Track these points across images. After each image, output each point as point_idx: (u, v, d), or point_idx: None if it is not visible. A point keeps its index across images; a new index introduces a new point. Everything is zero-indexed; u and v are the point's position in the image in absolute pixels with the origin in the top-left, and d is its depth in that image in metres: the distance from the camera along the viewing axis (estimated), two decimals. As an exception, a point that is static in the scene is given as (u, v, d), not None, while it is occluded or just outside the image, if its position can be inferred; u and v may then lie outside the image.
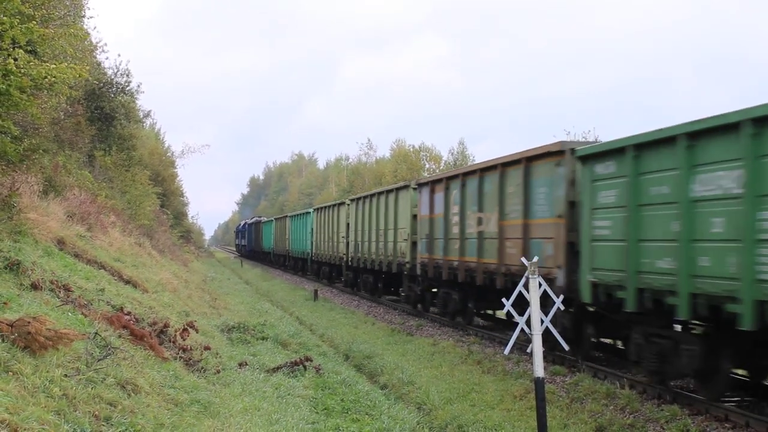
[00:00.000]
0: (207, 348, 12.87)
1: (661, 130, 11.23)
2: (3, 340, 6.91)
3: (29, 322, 7.21)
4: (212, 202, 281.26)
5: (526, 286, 9.25)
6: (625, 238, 11.94)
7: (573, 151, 14.00)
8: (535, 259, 9.59)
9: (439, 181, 21.58)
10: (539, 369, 8.99)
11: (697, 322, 11.30)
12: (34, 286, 10.50)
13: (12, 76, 10.57)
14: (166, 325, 12.40)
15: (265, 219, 76.93)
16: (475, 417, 11.60)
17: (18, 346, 6.96)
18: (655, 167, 11.34)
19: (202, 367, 11.62)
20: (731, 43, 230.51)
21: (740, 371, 12.06)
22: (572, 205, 14.12)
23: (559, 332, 10.21)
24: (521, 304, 9.39)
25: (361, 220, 31.90)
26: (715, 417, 10.51)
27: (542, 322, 9.19)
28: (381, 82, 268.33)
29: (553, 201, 14.69)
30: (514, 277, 15.92)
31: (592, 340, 14.54)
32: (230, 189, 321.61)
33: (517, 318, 9.32)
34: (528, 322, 9.13)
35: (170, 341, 11.97)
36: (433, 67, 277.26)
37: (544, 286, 9.35)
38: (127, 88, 32.06)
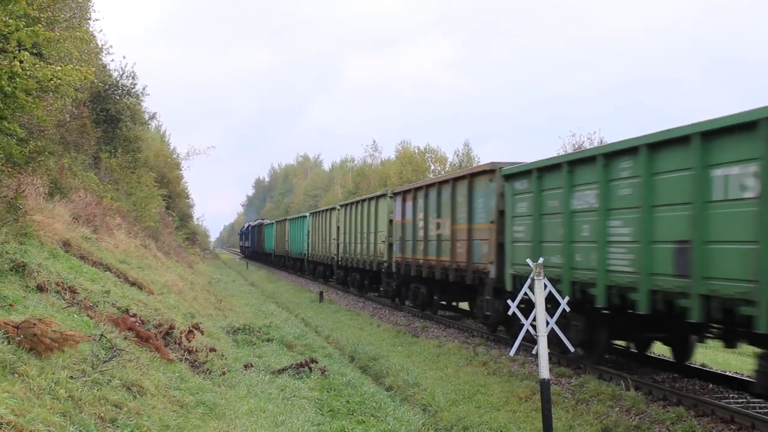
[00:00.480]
0: (212, 350, 12.89)
1: (552, 158, 15.45)
2: (9, 342, 6.92)
3: (35, 324, 7.23)
4: (218, 203, 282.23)
5: (531, 287, 9.25)
6: (532, 239, 15.47)
7: (501, 170, 17.34)
8: (541, 260, 9.58)
9: (409, 191, 25.18)
10: (545, 370, 8.98)
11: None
12: (40, 288, 10.52)
13: (18, 79, 10.59)
14: (171, 327, 12.42)
15: (267, 222, 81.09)
16: (480, 418, 11.59)
17: (24, 347, 6.97)
18: (550, 186, 14.93)
19: (208, 369, 11.63)
20: (735, 44, 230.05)
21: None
22: (501, 214, 17.48)
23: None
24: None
25: (349, 224, 35.26)
26: (721, 419, 10.48)
27: (548, 323, 9.19)
28: (386, 82, 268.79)
29: (488, 210, 18.17)
30: (462, 272, 19.76)
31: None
32: (236, 190, 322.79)
33: (522, 319, 9.31)
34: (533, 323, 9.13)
35: (176, 343, 11.98)
36: (438, 68, 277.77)
37: (549, 287, 9.34)
38: (133, 90, 32.11)
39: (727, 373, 14.18)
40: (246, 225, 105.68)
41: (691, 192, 10.61)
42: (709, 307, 10.40)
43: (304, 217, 50.77)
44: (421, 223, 23.41)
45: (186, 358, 11.52)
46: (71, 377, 7.07)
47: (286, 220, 62.59)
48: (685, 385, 12.95)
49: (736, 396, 12.23)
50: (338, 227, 37.68)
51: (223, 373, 11.81)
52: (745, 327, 10.01)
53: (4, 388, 5.91)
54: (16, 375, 6.38)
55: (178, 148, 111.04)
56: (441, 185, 21.86)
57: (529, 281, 9.27)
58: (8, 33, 10.57)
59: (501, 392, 13.37)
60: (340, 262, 38.03)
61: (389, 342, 20.18)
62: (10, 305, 8.74)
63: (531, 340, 9.79)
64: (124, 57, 59.63)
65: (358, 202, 34.23)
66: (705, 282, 10.38)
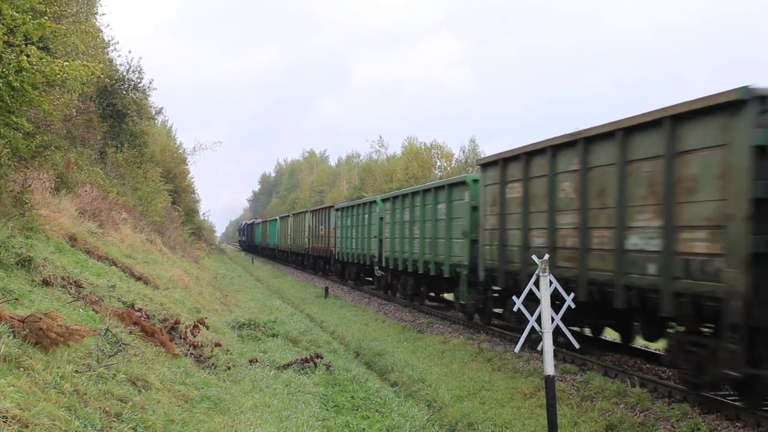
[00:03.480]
0: (218, 345, 12.90)
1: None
2: (14, 336, 6.93)
3: (41, 318, 7.24)
4: (224, 199, 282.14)
5: (536, 283, 9.24)
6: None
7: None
8: (546, 256, 9.55)
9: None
10: (550, 367, 8.97)
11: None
12: (46, 282, 10.54)
13: (25, 73, 10.59)
14: (177, 322, 12.43)
15: (257, 222, 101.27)
16: (485, 415, 11.59)
17: (29, 341, 6.99)
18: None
19: (213, 364, 11.65)
20: (746, 46, 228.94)
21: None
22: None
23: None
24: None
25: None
26: (726, 416, 10.46)
27: (553, 320, 9.17)
28: (394, 81, 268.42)
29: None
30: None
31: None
32: (243, 186, 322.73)
33: (527, 316, 9.29)
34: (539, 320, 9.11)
35: (181, 338, 11.99)
36: (446, 66, 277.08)
37: (555, 283, 9.32)
38: (139, 84, 32.10)
39: (649, 350, 16.04)
40: (243, 223, 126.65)
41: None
42: None
43: (275, 219, 69.23)
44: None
45: (191, 353, 11.53)
46: (76, 371, 7.09)
47: (266, 221, 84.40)
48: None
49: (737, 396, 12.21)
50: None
51: (228, 368, 11.83)
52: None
53: (10, 382, 5.92)
54: (22, 369, 6.39)
55: (185, 143, 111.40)
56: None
57: (534, 277, 9.26)
58: (15, 26, 10.57)
59: (506, 388, 13.36)
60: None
61: (394, 338, 20.18)
62: (16, 299, 8.76)
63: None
64: (129, 51, 59.68)
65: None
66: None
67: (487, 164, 18.44)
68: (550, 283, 9.20)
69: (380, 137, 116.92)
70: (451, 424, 11.59)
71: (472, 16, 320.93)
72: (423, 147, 73.69)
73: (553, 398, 9.02)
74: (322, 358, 14.06)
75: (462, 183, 21.00)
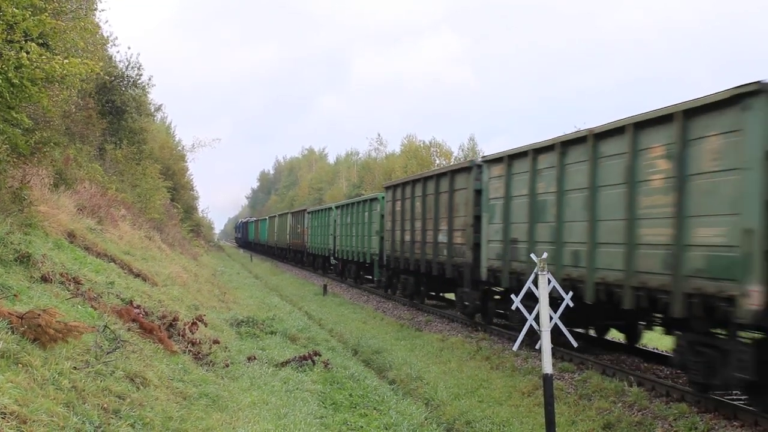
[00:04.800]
0: (216, 342, 12.90)
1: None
2: (13, 332, 6.93)
3: (39, 315, 7.24)
4: (223, 196, 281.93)
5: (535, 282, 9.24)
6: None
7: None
8: (545, 255, 9.56)
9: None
10: (548, 365, 8.98)
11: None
12: (44, 279, 10.54)
13: (24, 69, 10.58)
14: (175, 319, 12.43)
15: (251, 220, 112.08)
16: (483, 413, 11.61)
17: (28, 338, 6.98)
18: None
19: (211, 361, 11.65)
20: (748, 45, 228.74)
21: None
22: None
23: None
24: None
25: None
26: (724, 415, 10.48)
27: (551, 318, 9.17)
28: (394, 78, 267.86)
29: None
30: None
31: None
32: (242, 183, 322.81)
33: (526, 314, 9.30)
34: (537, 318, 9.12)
35: (179, 335, 11.99)
36: (446, 64, 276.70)
37: (554, 282, 9.32)
38: (138, 81, 32.09)
39: (656, 351, 16.13)
40: (239, 221, 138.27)
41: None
42: None
43: (265, 219, 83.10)
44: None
45: (189, 350, 11.53)
46: (75, 368, 7.09)
47: (258, 220, 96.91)
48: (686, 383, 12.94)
49: (738, 393, 12.22)
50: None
51: (227, 365, 11.83)
52: None
53: (8, 378, 5.92)
54: (20, 365, 6.39)
55: (184, 140, 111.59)
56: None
57: (533, 276, 9.26)
58: (14, 23, 10.56)
59: (504, 387, 13.38)
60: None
61: (393, 336, 20.20)
62: (15, 295, 8.76)
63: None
64: (129, 48, 59.60)
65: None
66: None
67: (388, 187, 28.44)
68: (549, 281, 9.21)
69: (379, 135, 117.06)
70: (449, 422, 11.61)
71: (473, 13, 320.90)
72: (422, 145, 73.71)
73: (551, 396, 9.03)
74: (320, 355, 14.06)
75: (374, 199, 32.41)
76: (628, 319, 15.26)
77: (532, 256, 9.73)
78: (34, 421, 5.46)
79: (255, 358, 13.23)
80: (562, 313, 9.53)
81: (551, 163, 15.00)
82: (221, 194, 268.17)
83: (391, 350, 17.43)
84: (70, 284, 11.07)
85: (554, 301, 9.66)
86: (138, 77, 32.03)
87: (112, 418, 6.57)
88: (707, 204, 10.46)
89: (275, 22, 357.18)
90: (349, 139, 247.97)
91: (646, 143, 11.98)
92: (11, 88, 10.65)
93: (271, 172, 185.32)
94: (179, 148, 59.34)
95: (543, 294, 9.04)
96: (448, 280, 22.33)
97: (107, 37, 30.15)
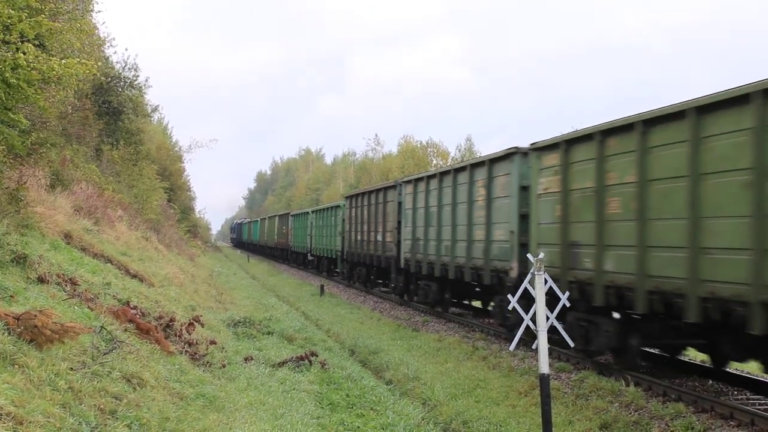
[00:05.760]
0: (213, 342, 12.89)
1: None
2: (9, 333, 6.92)
3: (35, 316, 7.23)
4: (220, 197, 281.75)
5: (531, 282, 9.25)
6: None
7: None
8: (541, 255, 9.57)
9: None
10: (544, 365, 8.98)
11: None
12: (41, 280, 10.53)
13: (21, 70, 10.57)
14: (172, 320, 12.42)
15: (245, 221, 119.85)
16: (480, 413, 11.61)
17: (24, 339, 6.98)
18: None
19: (208, 362, 11.64)
20: (749, 43, 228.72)
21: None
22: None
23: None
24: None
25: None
26: (720, 415, 10.49)
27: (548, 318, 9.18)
28: (393, 79, 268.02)
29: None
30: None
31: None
32: (240, 184, 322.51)
33: (522, 314, 9.31)
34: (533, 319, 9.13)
35: (176, 335, 11.98)
36: (445, 64, 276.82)
37: (550, 282, 9.33)
38: (135, 82, 32.04)
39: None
40: (235, 222, 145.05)
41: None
42: None
43: (256, 221, 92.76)
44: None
45: (186, 351, 11.52)
46: (71, 369, 7.08)
47: (251, 221, 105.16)
48: (684, 382, 12.95)
49: (736, 392, 12.25)
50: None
51: (223, 366, 11.82)
52: None
53: (5, 379, 5.92)
54: (17, 366, 6.38)
55: (182, 140, 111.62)
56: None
57: (529, 276, 9.27)
58: (10, 24, 10.55)
59: (501, 387, 13.38)
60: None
61: (389, 336, 20.20)
62: (11, 296, 8.75)
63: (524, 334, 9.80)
64: (126, 49, 59.41)
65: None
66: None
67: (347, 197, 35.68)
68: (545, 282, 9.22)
69: (376, 135, 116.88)
70: (446, 423, 11.61)
71: (472, 14, 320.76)
72: (419, 145, 73.76)
73: (548, 396, 9.04)
74: (317, 356, 14.06)
75: (338, 206, 40.07)
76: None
77: (529, 256, 9.76)
78: (30, 422, 5.45)
79: (252, 359, 13.22)
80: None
81: (435, 186, 22.34)
82: (218, 195, 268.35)
83: (388, 350, 17.44)
84: (66, 285, 11.05)
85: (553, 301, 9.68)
86: (135, 78, 31.98)
87: (108, 418, 6.56)
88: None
89: (274, 22, 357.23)
90: (346, 140, 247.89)
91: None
92: (8, 89, 10.63)
93: (268, 172, 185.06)
94: (176, 148, 59.32)
95: (539, 294, 9.04)
96: (385, 269, 29.68)
97: (104, 38, 30.16)
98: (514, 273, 16.37)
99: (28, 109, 13.59)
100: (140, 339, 10.06)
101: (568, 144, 14.19)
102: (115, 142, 31.52)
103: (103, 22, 53.54)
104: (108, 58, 31.38)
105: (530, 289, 9.21)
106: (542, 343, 8.99)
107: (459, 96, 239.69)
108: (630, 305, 12.24)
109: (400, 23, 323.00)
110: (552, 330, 9.37)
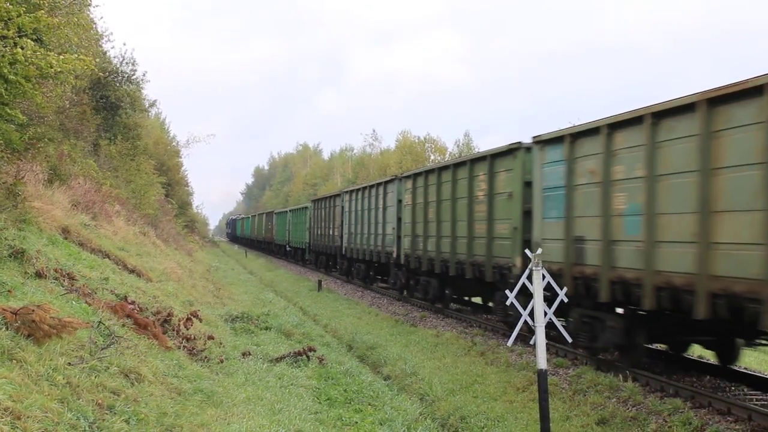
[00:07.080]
0: (210, 337, 12.90)
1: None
2: (7, 328, 6.93)
3: (33, 310, 7.23)
4: (218, 192, 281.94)
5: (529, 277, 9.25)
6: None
7: None
8: (539, 251, 9.57)
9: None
10: (542, 361, 8.99)
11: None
12: (39, 275, 10.52)
13: (18, 65, 10.55)
14: (169, 315, 12.42)
15: (239, 217, 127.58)
16: (477, 408, 11.62)
17: (22, 334, 6.98)
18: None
19: (206, 357, 11.65)
20: (748, 44, 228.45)
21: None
22: None
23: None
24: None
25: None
26: (718, 410, 10.50)
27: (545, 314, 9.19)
28: (391, 75, 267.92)
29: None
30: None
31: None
32: (238, 179, 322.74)
33: (520, 310, 9.31)
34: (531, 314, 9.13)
35: (174, 330, 11.98)
36: (443, 60, 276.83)
37: (548, 278, 9.33)
38: (133, 77, 32.00)
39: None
40: (230, 218, 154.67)
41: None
42: None
43: (248, 217, 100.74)
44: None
45: (184, 346, 11.53)
46: (69, 364, 7.08)
47: (244, 218, 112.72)
48: (682, 378, 12.96)
49: (733, 388, 12.26)
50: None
51: (221, 361, 11.83)
52: None
53: (2, 374, 5.92)
54: (14, 361, 6.39)
55: (179, 136, 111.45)
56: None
57: (527, 271, 9.27)
58: (8, 19, 10.53)
59: (498, 382, 13.39)
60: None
61: (387, 331, 20.21)
62: (9, 291, 8.75)
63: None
64: (124, 44, 59.48)
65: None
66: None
67: (313, 200, 41.97)
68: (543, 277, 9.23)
69: (374, 131, 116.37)
70: (444, 418, 11.62)
71: (470, 11, 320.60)
72: (417, 141, 73.71)
73: (546, 392, 9.05)
74: (315, 351, 14.06)
75: (306, 207, 50.38)
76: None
77: (527, 252, 9.76)
78: (28, 417, 5.46)
79: (250, 354, 13.23)
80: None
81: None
82: (216, 190, 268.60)
83: (385, 346, 17.45)
84: (64, 280, 11.05)
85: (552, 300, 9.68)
86: (132, 73, 31.95)
87: (106, 413, 6.57)
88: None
89: (272, 18, 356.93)
90: (344, 135, 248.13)
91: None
92: (5, 84, 10.62)
93: (266, 167, 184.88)
94: (174, 143, 59.27)
95: (537, 290, 9.05)
96: (333, 256, 41.09)
97: (102, 33, 30.08)
98: (517, 269, 16.34)
99: (25, 104, 13.57)
100: (138, 334, 10.06)
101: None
102: (112, 137, 31.48)
103: (101, 17, 53.41)
104: (106, 52, 31.33)
105: (528, 284, 9.21)
106: (540, 338, 9.00)
107: (458, 93, 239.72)
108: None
109: (399, 21, 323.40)
110: (551, 326, 9.39)
